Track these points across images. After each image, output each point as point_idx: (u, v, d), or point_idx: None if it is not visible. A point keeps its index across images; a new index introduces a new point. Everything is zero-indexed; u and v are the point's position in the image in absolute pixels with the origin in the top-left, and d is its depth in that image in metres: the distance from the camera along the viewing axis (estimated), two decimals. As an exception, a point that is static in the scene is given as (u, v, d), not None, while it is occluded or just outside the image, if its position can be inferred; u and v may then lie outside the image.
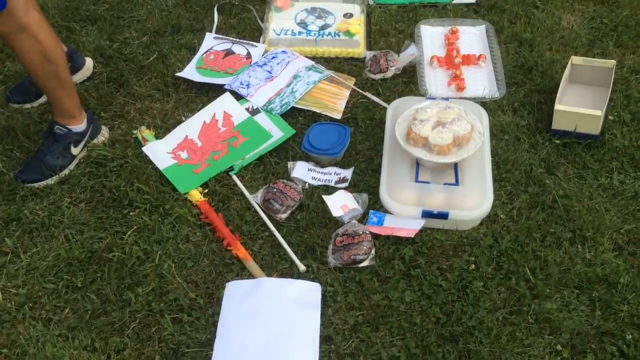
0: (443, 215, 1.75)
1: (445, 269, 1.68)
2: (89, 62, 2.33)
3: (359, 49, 2.40)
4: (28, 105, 2.22)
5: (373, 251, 1.73)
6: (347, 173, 1.97)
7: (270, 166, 2.02)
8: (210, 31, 2.51)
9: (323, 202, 1.86)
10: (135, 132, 2.11)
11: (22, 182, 1.94)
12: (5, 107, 2.22)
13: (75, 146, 2.01)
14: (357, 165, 2.00)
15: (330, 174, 1.98)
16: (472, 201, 1.78)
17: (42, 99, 2.23)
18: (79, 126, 2.01)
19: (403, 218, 1.79)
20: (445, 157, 1.83)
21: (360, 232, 1.75)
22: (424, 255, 1.72)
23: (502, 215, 1.80)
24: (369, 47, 2.43)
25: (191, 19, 2.58)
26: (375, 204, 1.88)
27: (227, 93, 2.21)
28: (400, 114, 1.98)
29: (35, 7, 1.82)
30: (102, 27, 2.54)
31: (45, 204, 1.90)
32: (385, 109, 2.13)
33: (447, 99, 2.05)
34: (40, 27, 1.78)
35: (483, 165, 1.87)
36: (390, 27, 2.51)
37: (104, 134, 2.11)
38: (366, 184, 1.95)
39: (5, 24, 1.70)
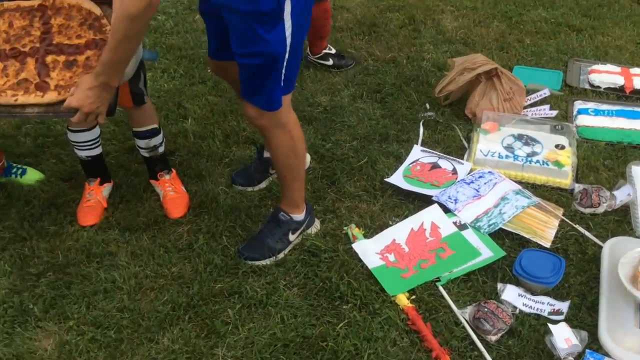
0: (680, 372, 1.62)
1: None
2: (307, 157, 2.53)
3: (566, 180, 2.40)
4: (250, 189, 2.43)
5: (597, 396, 1.63)
6: (563, 306, 1.90)
7: (478, 284, 2.01)
8: (416, 143, 2.65)
9: (535, 330, 1.81)
10: (345, 228, 2.22)
11: (244, 259, 2.09)
12: (230, 188, 2.45)
13: (293, 233, 2.15)
14: (570, 299, 1.94)
15: (543, 303, 1.92)
16: None
17: (263, 184, 2.44)
18: (299, 215, 2.16)
19: (628, 366, 1.68)
20: (682, 308, 1.72)
21: (582, 372, 1.66)
22: (657, 412, 1.58)
23: None
24: (576, 179, 2.42)
25: (397, 130, 2.75)
26: (592, 344, 1.78)
27: (436, 205, 2.28)
28: (622, 254, 1.91)
29: None
30: (317, 127, 2.77)
31: (263, 283, 2.02)
32: (599, 246, 2.07)
33: (673, 246, 1.96)
34: (295, 125, 1.99)
35: None
36: (598, 162, 2.50)
37: (316, 226, 2.24)
38: (580, 320, 1.87)
39: (269, 120, 1.91)
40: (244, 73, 1.79)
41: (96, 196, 2.30)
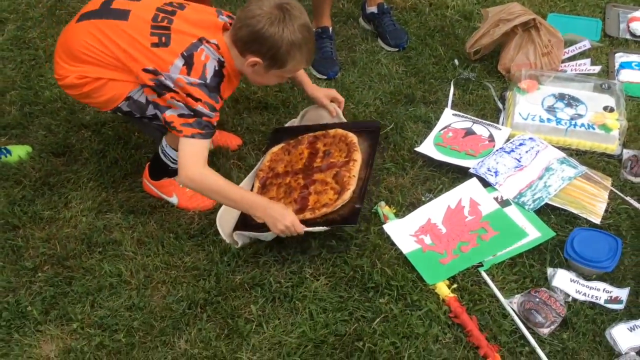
0: None
1: None
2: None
3: (613, 145, 2.17)
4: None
5: (669, 400, 1.47)
6: (622, 293, 1.72)
7: (525, 269, 1.81)
8: (446, 105, 2.39)
9: (591, 321, 1.65)
10: (375, 207, 2.00)
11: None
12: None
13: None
14: (628, 284, 1.75)
15: (599, 289, 1.73)
16: None
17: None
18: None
19: (703, 364, 1.52)
20: None
21: (651, 373, 1.49)
22: None
23: None
24: (623, 144, 2.19)
25: (424, 90, 2.47)
26: (657, 337, 1.61)
27: (474, 179, 2.05)
28: (687, 234, 1.72)
29: None
30: (336, 87, 2.50)
31: (287, 272, 1.81)
32: (656, 221, 1.88)
33: None
34: None
35: None
36: (648, 125, 2.26)
37: (341, 204, 2.04)
38: (641, 309, 1.69)
39: None
40: None
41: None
